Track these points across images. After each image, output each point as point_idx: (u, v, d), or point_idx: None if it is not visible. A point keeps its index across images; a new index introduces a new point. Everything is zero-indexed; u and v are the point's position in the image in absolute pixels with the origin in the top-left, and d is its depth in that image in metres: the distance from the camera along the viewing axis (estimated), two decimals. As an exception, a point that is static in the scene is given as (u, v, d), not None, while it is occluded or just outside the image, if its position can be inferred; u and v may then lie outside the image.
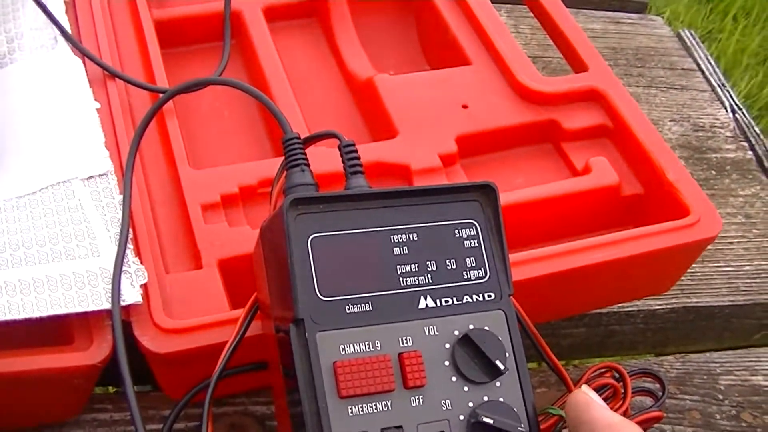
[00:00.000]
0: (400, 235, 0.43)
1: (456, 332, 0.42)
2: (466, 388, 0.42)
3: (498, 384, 0.42)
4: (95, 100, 0.58)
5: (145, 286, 0.49)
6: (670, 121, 0.86)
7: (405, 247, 0.43)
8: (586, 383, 0.57)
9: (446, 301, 0.43)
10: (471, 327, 0.43)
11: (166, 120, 0.60)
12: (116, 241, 0.49)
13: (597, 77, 0.67)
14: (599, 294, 0.62)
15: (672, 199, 0.60)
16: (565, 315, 0.66)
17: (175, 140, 0.59)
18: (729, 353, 0.66)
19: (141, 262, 0.50)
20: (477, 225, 0.45)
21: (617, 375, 0.58)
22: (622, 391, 0.57)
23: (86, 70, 0.60)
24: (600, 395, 0.57)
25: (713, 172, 0.81)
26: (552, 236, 0.60)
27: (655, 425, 0.58)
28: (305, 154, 0.48)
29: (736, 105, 0.89)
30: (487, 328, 0.43)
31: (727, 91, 0.91)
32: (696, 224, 0.57)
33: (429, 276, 0.43)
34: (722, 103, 0.89)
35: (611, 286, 0.61)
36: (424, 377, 0.41)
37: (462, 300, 0.43)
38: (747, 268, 0.74)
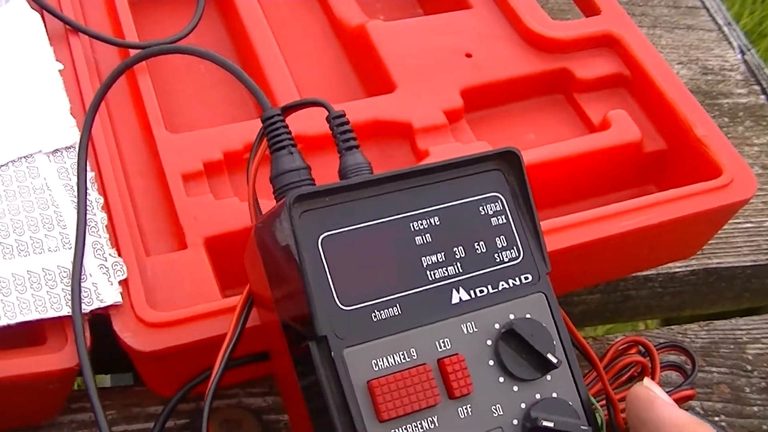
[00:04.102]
0: (419, 221, 0.37)
1: (497, 325, 0.37)
2: (515, 388, 0.37)
3: (549, 378, 0.37)
4: (57, 59, 0.51)
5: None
6: (678, 64, 0.80)
7: (427, 235, 0.37)
8: (612, 360, 0.52)
9: (481, 291, 0.37)
10: (512, 317, 0.37)
11: (138, 77, 0.53)
12: (90, 228, 0.43)
13: (611, 21, 0.61)
14: (620, 264, 0.56)
15: (701, 156, 0.54)
16: (580, 287, 0.61)
17: (148, 100, 0.52)
18: (755, 319, 0.61)
19: (118, 246, 0.43)
20: (502, 198, 0.39)
21: (643, 350, 0.53)
22: (650, 366, 0.52)
23: (45, 25, 0.53)
24: (626, 374, 0.53)
25: (726, 119, 0.76)
26: (568, 198, 0.56)
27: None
28: (290, 132, 0.42)
29: (745, 46, 0.83)
30: (529, 315, 0.38)
31: (734, 30, 0.85)
32: (729, 185, 0.52)
33: (458, 265, 0.37)
34: (730, 43, 0.83)
35: (635, 255, 0.55)
36: (470, 383, 0.35)
37: (498, 287, 0.38)
38: (767, 224, 0.69)
